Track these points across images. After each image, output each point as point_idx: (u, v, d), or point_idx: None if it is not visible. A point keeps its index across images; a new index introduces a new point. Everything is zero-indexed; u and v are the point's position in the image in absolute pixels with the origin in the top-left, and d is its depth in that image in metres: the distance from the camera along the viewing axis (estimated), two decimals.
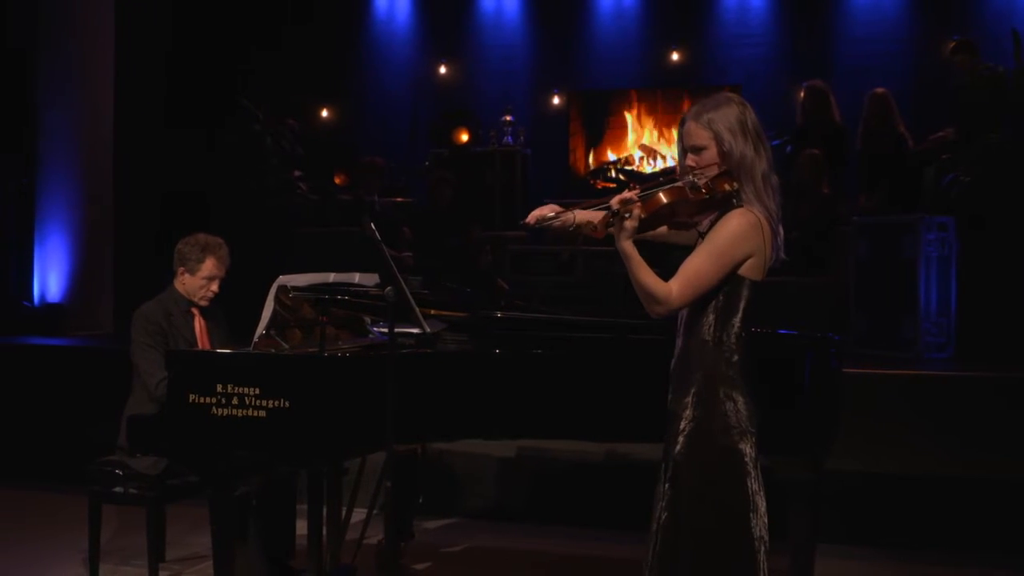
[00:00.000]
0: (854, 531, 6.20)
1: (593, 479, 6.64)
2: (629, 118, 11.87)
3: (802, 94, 9.50)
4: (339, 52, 12.76)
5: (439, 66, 12.69)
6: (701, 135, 3.37)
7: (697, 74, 11.85)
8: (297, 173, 10.53)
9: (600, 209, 3.33)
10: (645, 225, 3.28)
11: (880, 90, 9.14)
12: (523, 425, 4.58)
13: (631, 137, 11.85)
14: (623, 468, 6.43)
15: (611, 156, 11.85)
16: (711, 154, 3.36)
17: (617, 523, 6.19)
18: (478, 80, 12.66)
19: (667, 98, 11.75)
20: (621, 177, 11.09)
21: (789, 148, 9.46)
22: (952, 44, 8.78)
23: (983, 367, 6.88)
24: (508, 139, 11.62)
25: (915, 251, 7.34)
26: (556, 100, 12.31)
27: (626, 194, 3.22)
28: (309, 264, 5.22)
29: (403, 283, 4.08)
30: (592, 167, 11.86)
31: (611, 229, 3.29)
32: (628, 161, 11.57)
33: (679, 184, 3.30)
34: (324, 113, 12.74)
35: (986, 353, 7.29)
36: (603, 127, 12.02)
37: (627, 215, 3.20)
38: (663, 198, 3.26)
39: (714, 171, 3.34)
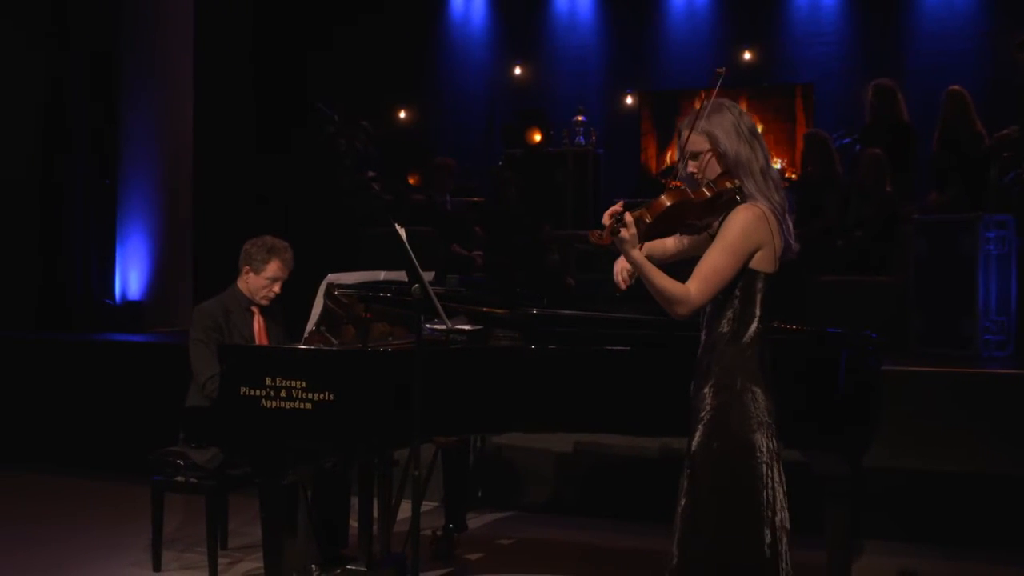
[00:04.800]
0: (911, 529, 6.21)
1: (649, 473, 6.71)
2: None
3: (870, 93, 9.46)
4: (416, 53, 12.96)
5: (514, 67, 12.84)
6: (697, 141, 3.52)
7: (769, 73, 11.84)
8: (371, 173, 10.73)
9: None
10: (653, 230, 3.40)
11: (956, 87, 9.05)
12: (563, 419, 4.74)
13: None
14: (678, 462, 6.49)
15: None
16: (709, 159, 3.52)
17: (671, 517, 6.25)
18: (552, 80, 12.79)
19: (739, 97, 11.72)
20: None
21: (858, 147, 9.44)
22: (1019, 40, 8.68)
23: None
24: (580, 139, 11.71)
25: (974, 249, 7.32)
26: (629, 100, 12.39)
27: (615, 208, 3.35)
28: (379, 263, 5.37)
29: (426, 281, 4.25)
30: (664, 167, 11.89)
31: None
32: None
33: (679, 188, 3.43)
34: (402, 114, 12.95)
35: None
36: (675, 127, 12.05)
37: (622, 226, 3.32)
38: (666, 201, 3.38)
39: (715, 172, 3.48)
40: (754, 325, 3.48)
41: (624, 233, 3.32)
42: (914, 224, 7.88)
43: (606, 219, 3.33)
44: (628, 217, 3.31)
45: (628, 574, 5.81)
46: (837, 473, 4.63)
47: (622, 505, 6.76)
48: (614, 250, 3.46)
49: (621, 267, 3.67)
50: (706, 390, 3.50)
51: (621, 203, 3.39)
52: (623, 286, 3.69)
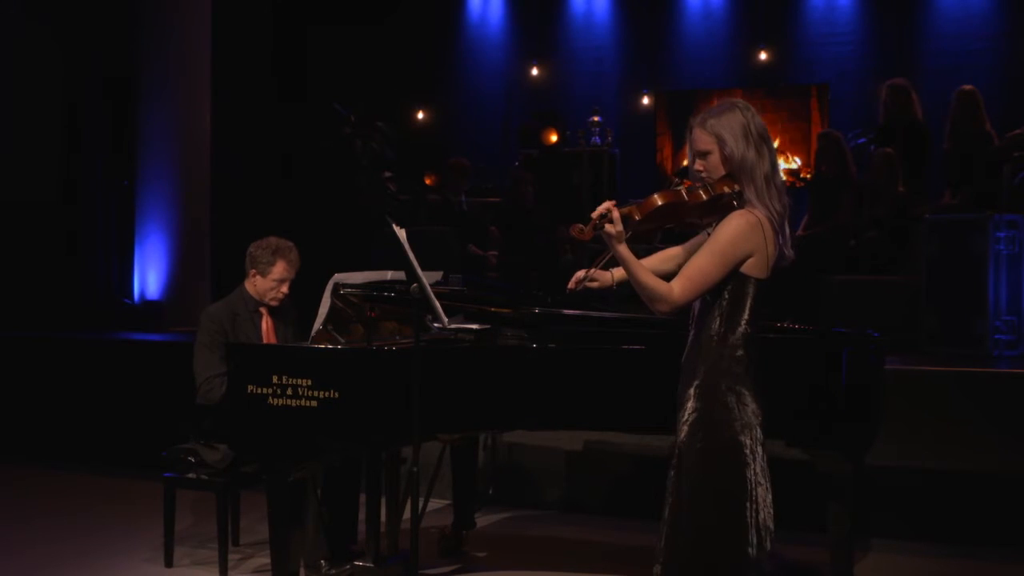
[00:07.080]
0: (920, 528, 6.21)
1: (658, 472, 6.66)
2: None
3: (884, 93, 9.45)
4: (433, 54, 13.03)
5: (530, 67, 12.89)
6: (705, 140, 3.54)
7: (785, 73, 11.88)
8: (387, 174, 10.78)
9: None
10: (642, 227, 3.45)
11: (967, 87, 9.03)
12: (567, 417, 4.79)
13: None
14: None
15: None
16: (715, 158, 3.54)
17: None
18: (568, 81, 12.85)
19: (754, 98, 11.74)
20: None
21: (873, 147, 9.43)
22: None
23: None
24: (595, 139, 11.73)
25: (985, 249, 7.34)
26: (644, 100, 12.43)
27: (604, 207, 3.39)
28: (394, 264, 5.40)
29: (424, 281, 4.30)
30: (679, 167, 11.91)
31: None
32: None
33: (675, 188, 3.47)
34: (420, 115, 13.01)
35: None
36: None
37: (609, 222, 3.37)
38: (657, 200, 3.43)
39: (719, 172, 3.50)
40: (741, 328, 3.50)
41: (610, 228, 3.37)
42: (925, 224, 7.89)
43: (595, 215, 3.37)
44: (615, 213, 3.37)
45: (635, 572, 5.82)
46: (840, 471, 4.65)
47: (631, 503, 6.76)
48: (595, 246, 3.51)
49: (580, 274, 3.75)
50: (691, 390, 3.53)
51: (613, 202, 3.44)
52: (570, 286, 3.79)
